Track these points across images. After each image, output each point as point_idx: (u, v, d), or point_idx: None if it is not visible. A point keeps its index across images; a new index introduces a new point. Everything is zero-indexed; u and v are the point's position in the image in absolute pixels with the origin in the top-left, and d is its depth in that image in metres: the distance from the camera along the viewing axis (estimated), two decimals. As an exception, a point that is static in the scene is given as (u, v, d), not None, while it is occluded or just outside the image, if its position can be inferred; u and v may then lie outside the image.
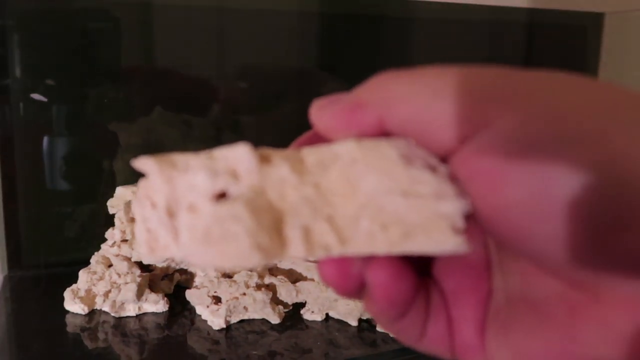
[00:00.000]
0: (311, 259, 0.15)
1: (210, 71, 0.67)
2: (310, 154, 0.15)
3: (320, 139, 0.16)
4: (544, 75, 0.14)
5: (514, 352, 0.15)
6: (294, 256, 0.14)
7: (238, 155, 0.15)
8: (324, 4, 0.70)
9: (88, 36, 0.60)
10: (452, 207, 0.14)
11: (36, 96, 0.59)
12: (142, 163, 0.15)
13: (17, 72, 0.58)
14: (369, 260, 0.16)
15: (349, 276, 0.16)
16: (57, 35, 0.59)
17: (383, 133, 0.15)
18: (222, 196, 0.15)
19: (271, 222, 0.14)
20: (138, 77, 0.63)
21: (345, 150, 0.15)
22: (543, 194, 0.12)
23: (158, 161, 0.15)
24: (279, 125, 0.69)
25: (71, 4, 0.59)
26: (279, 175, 0.15)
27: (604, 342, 0.13)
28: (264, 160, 0.15)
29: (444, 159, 0.14)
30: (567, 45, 0.85)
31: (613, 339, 0.13)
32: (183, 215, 0.15)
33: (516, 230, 0.13)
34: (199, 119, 0.67)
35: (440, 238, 0.14)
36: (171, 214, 0.15)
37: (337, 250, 0.14)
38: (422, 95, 0.14)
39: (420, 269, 0.17)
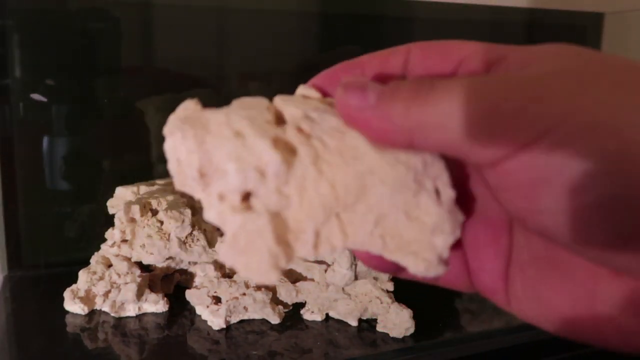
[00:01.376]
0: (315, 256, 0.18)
1: (210, 71, 0.67)
2: (333, 140, 0.17)
3: (336, 80, 0.18)
4: (552, 81, 0.15)
5: (542, 305, 0.17)
6: (301, 257, 0.16)
7: (268, 159, 0.16)
8: (324, 4, 0.70)
9: (88, 36, 0.60)
10: (444, 242, 0.16)
11: (36, 96, 0.59)
12: (173, 124, 0.16)
13: (17, 72, 0.58)
14: None
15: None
16: (57, 35, 0.59)
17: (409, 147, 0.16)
18: (248, 195, 0.16)
19: (285, 231, 0.16)
20: (139, 77, 0.63)
21: (366, 156, 0.16)
22: (551, 179, 0.14)
23: (189, 123, 0.16)
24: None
25: (71, 3, 0.59)
26: (301, 172, 0.16)
27: (623, 309, 0.15)
28: (289, 151, 0.16)
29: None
30: (567, 45, 0.84)
31: (633, 309, 0.15)
32: (215, 186, 0.16)
33: (525, 207, 0.15)
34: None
35: (425, 264, 0.16)
36: (202, 174, 0.16)
37: (340, 245, 0.16)
38: (452, 123, 0.15)
39: None
